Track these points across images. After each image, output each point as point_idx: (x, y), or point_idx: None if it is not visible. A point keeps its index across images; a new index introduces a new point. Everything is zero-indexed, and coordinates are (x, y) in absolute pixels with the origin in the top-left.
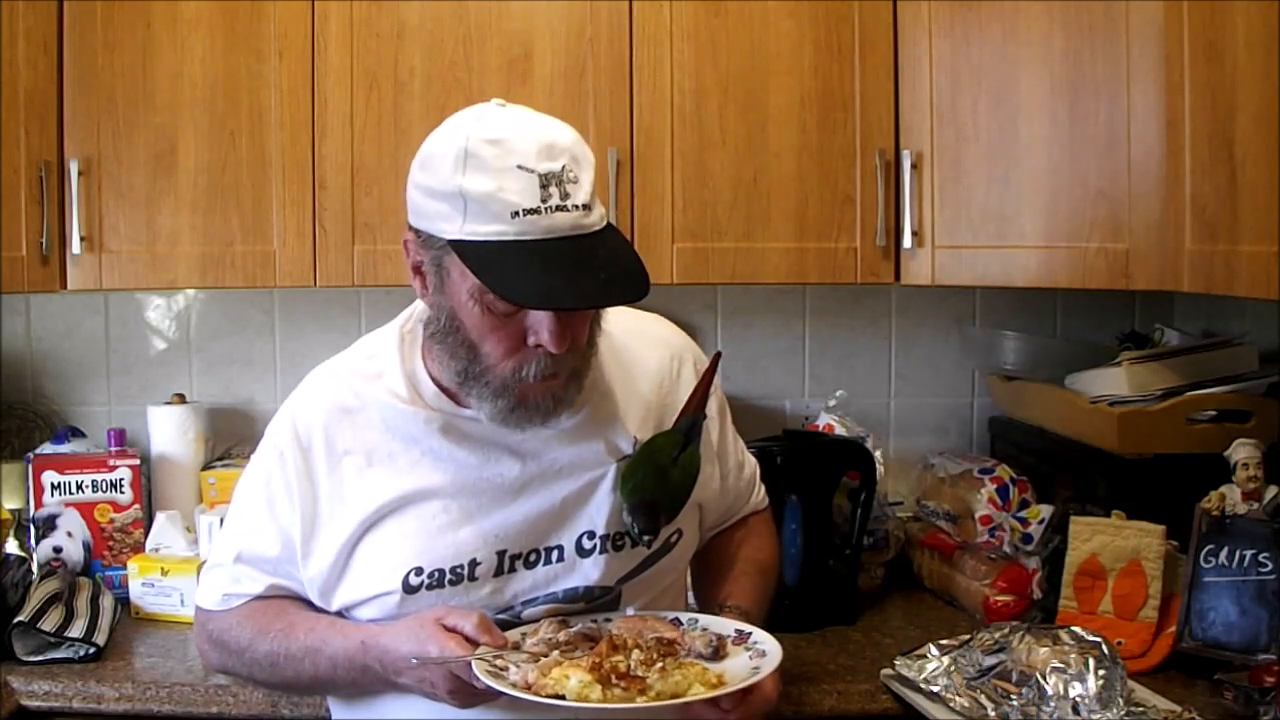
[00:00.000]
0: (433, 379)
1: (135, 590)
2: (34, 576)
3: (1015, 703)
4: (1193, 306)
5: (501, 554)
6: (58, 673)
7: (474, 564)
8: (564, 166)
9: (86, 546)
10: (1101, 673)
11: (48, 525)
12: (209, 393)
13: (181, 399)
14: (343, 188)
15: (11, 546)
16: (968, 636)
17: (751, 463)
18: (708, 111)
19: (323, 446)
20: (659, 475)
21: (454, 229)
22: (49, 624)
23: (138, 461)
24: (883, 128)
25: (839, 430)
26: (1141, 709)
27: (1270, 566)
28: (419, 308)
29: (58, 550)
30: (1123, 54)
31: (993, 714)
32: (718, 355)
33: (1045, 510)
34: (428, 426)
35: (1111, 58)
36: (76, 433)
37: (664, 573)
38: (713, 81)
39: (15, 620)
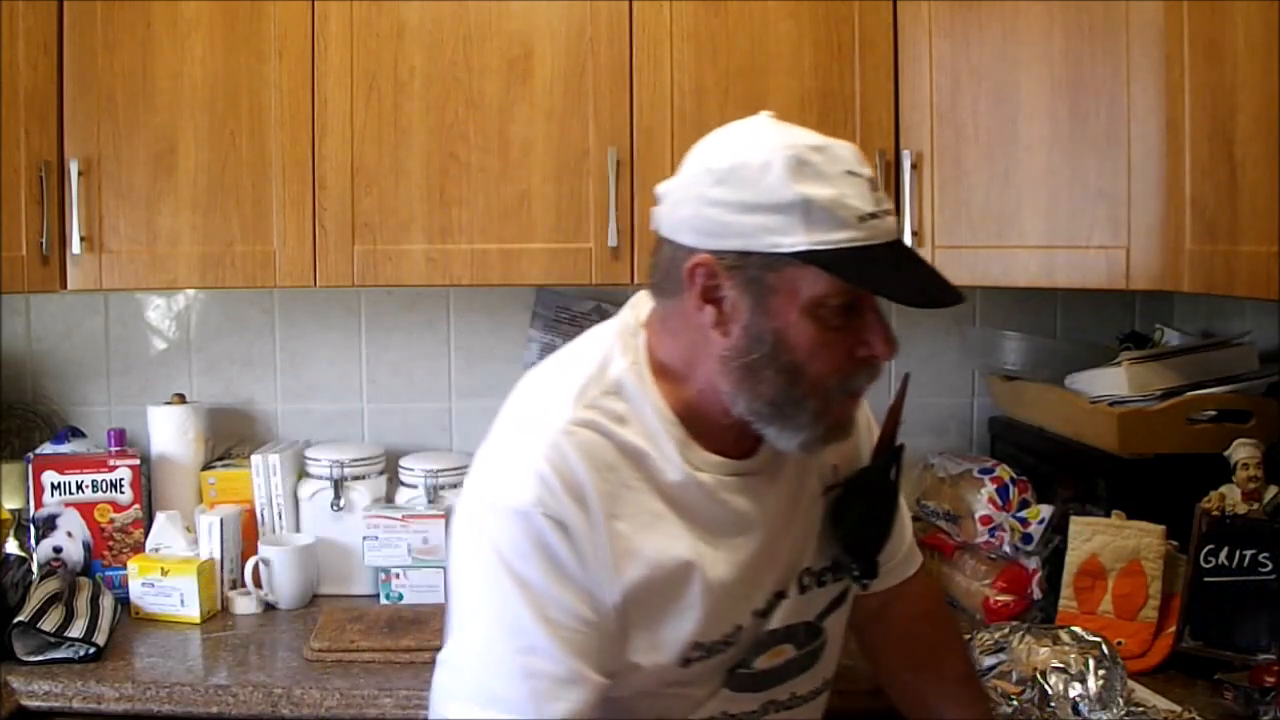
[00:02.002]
0: (676, 420)
1: (135, 590)
2: (34, 576)
3: (1015, 703)
4: (1193, 306)
5: (755, 613)
6: (58, 673)
7: (738, 629)
8: (873, 174)
9: (86, 546)
10: (1101, 673)
11: (48, 525)
12: (209, 393)
13: (181, 399)
14: (343, 188)
15: (11, 546)
16: (968, 636)
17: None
18: (708, 111)
19: (595, 506)
20: (870, 513)
21: (796, 240)
22: (49, 624)
23: (138, 461)
24: (883, 128)
25: None
26: (1141, 709)
27: (1270, 566)
28: (630, 338)
29: (58, 550)
30: (1123, 54)
31: (993, 714)
32: (907, 377)
33: (1045, 510)
34: (699, 490)
35: (1111, 58)
36: (76, 433)
37: (851, 602)
38: (713, 81)
39: (15, 620)
